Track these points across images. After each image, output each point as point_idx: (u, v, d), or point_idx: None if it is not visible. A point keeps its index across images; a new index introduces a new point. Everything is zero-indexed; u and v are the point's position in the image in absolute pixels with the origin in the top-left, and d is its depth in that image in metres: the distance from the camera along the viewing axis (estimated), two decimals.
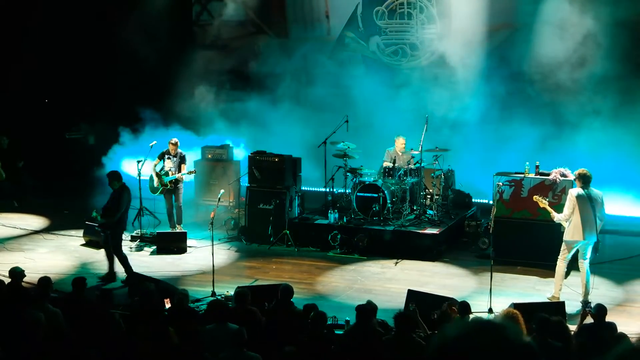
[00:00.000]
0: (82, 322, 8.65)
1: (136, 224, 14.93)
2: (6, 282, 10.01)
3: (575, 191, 11.18)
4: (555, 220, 11.41)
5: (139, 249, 14.38)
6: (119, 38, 17.74)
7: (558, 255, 11.54)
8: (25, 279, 10.40)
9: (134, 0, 18.09)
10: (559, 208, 11.72)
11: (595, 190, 11.21)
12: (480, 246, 13.69)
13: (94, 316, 8.81)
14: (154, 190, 14.91)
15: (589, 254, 11.29)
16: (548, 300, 11.24)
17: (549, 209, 11.39)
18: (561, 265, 11.39)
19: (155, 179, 14.79)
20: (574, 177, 11.50)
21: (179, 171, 14.77)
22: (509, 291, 11.88)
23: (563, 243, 11.36)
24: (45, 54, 18.67)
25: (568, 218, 11.17)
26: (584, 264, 11.28)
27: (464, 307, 9.21)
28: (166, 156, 14.86)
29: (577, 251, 11.36)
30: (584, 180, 11.17)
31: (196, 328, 8.64)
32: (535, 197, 11.68)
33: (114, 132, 18.06)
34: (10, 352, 7.42)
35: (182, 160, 14.87)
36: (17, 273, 10.18)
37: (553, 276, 12.02)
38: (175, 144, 14.87)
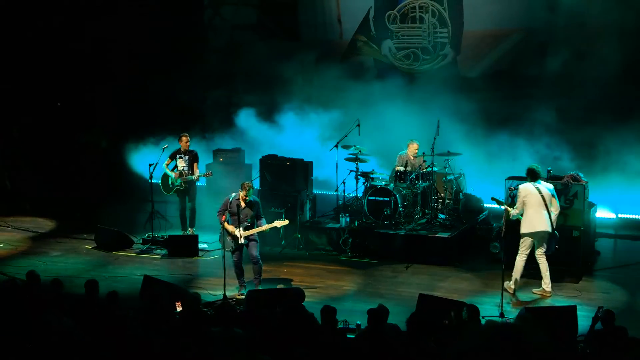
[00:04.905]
0: (95, 325, 8.66)
1: (147, 226, 14.94)
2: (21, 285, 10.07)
3: (523, 187, 11.65)
4: (511, 217, 11.63)
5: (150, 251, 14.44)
6: (128, 40, 17.79)
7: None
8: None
9: (145, 4, 18.16)
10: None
11: (544, 183, 11.69)
12: (492, 250, 13.63)
13: (106, 318, 8.83)
14: (167, 189, 14.91)
15: (544, 247, 11.64)
16: (554, 305, 11.21)
17: (504, 206, 11.68)
18: (520, 259, 11.70)
19: (170, 178, 14.75)
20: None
21: (192, 170, 14.76)
22: (521, 295, 11.84)
23: (521, 238, 11.68)
24: (55, 57, 18.76)
25: (519, 212, 11.56)
26: (542, 256, 11.64)
27: (473, 311, 9.17)
28: (178, 155, 14.82)
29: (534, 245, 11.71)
30: (532, 175, 11.63)
31: (207, 331, 8.65)
32: (493, 197, 11.97)
33: (126, 136, 18.08)
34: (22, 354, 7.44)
35: (194, 159, 14.84)
36: (34, 276, 10.20)
37: (565, 281, 12.23)
38: (187, 140, 14.83)
